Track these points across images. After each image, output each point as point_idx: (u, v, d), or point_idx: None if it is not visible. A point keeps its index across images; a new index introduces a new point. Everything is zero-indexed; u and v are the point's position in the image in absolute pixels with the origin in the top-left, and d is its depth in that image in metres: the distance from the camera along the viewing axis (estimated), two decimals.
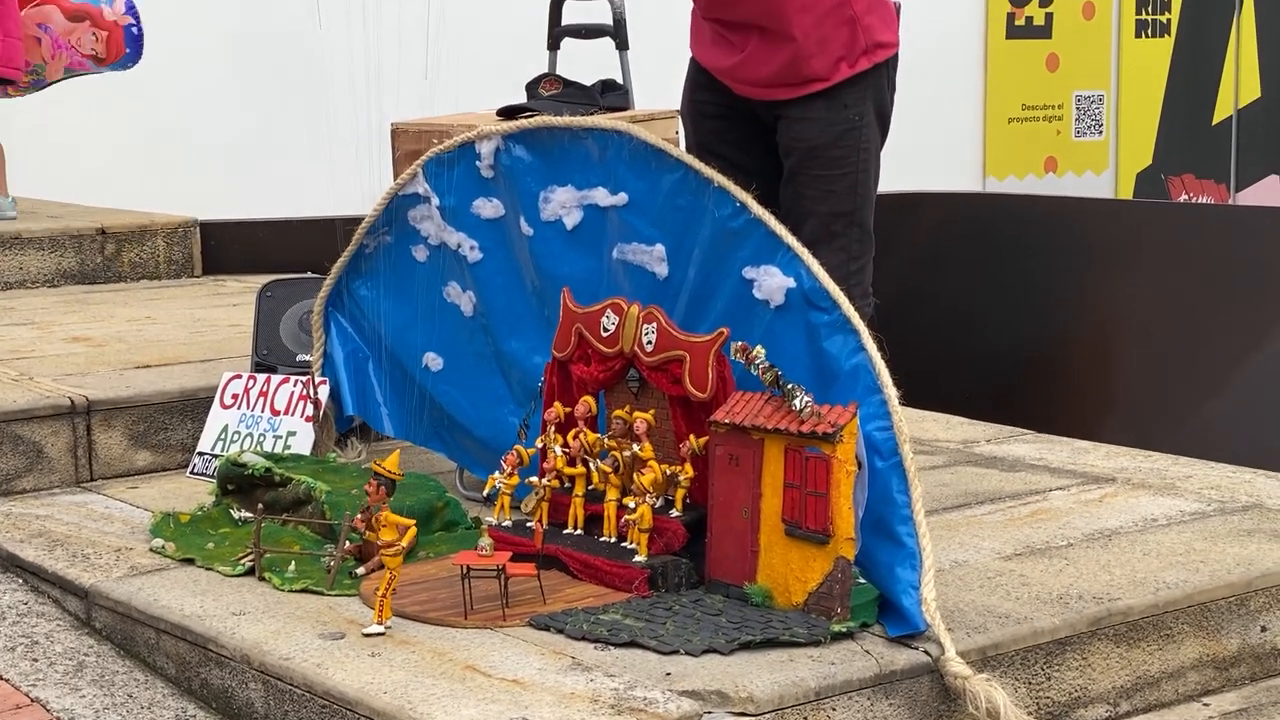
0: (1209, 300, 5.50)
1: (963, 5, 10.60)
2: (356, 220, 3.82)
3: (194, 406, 4.06)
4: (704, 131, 3.91)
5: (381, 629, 2.86)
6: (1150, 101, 11.38)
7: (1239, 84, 11.70)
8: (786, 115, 3.71)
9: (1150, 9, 11.30)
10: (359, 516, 3.16)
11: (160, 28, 7.72)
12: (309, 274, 4.30)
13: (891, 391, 2.89)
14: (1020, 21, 10.80)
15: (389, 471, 3.01)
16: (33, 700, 2.89)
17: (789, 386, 2.86)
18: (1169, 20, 11.38)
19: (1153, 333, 5.62)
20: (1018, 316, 5.85)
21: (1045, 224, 5.94)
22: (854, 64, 3.67)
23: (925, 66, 9.61)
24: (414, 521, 3.01)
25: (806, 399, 2.83)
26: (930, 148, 9.97)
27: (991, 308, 5.94)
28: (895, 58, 3.77)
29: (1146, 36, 11.31)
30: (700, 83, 3.90)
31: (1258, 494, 3.75)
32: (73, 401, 3.92)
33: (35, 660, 3.04)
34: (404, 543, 2.91)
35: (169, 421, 4.04)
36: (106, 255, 5.89)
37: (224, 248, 6.24)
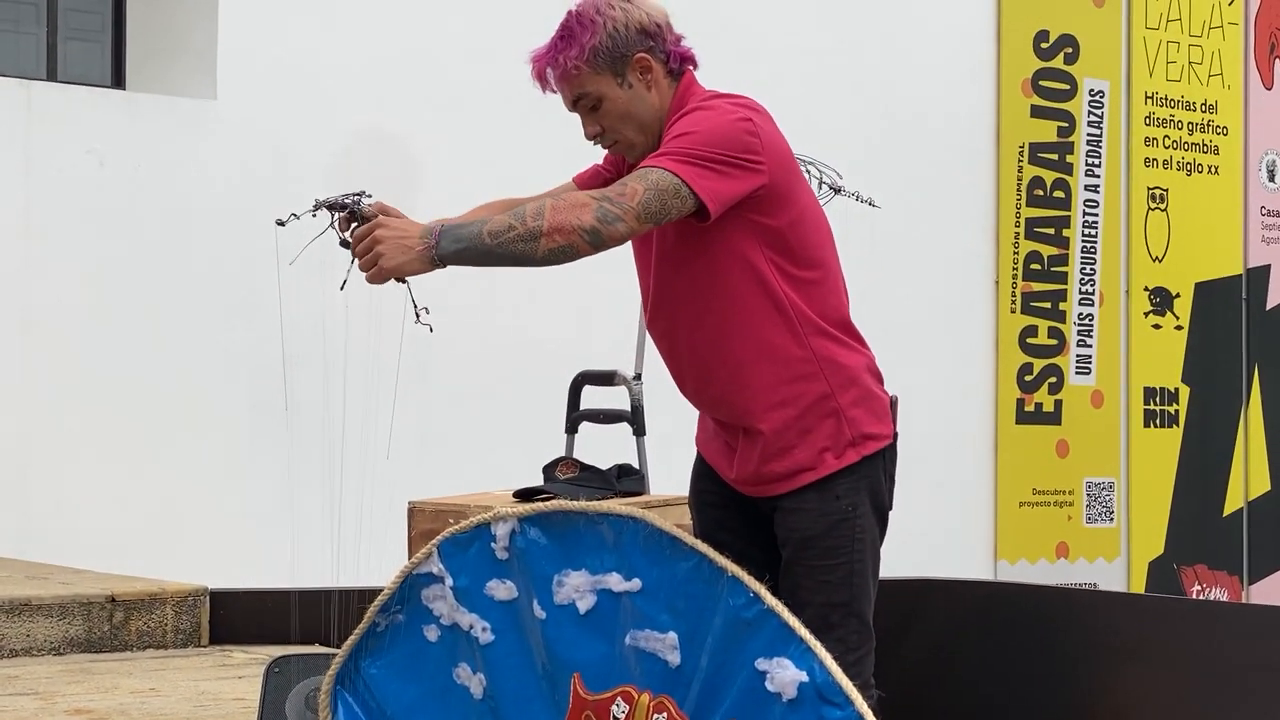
0: (1224, 699, 5.43)
1: (972, 390, 10.77)
2: (359, 595, 3.81)
3: None
4: (707, 520, 3.93)
5: None
6: (1161, 490, 11.45)
7: (1249, 476, 11.79)
8: (781, 506, 3.74)
9: (1158, 400, 11.47)
10: None
11: (178, 399, 7.88)
12: (319, 649, 4.28)
13: None
14: (1030, 407, 10.96)
15: None
16: None
17: None
18: (1177, 411, 11.55)
19: None
20: (1030, 710, 5.76)
21: (1058, 616, 5.90)
22: (840, 455, 3.69)
23: (936, 449, 9.74)
24: None
25: None
26: (941, 530, 10.01)
27: (1003, 701, 5.86)
28: (891, 449, 3.78)
29: (1155, 426, 11.45)
30: (702, 472, 3.95)
31: None
32: None
33: None
34: None
35: None
36: (114, 623, 5.87)
37: (233, 617, 6.21)
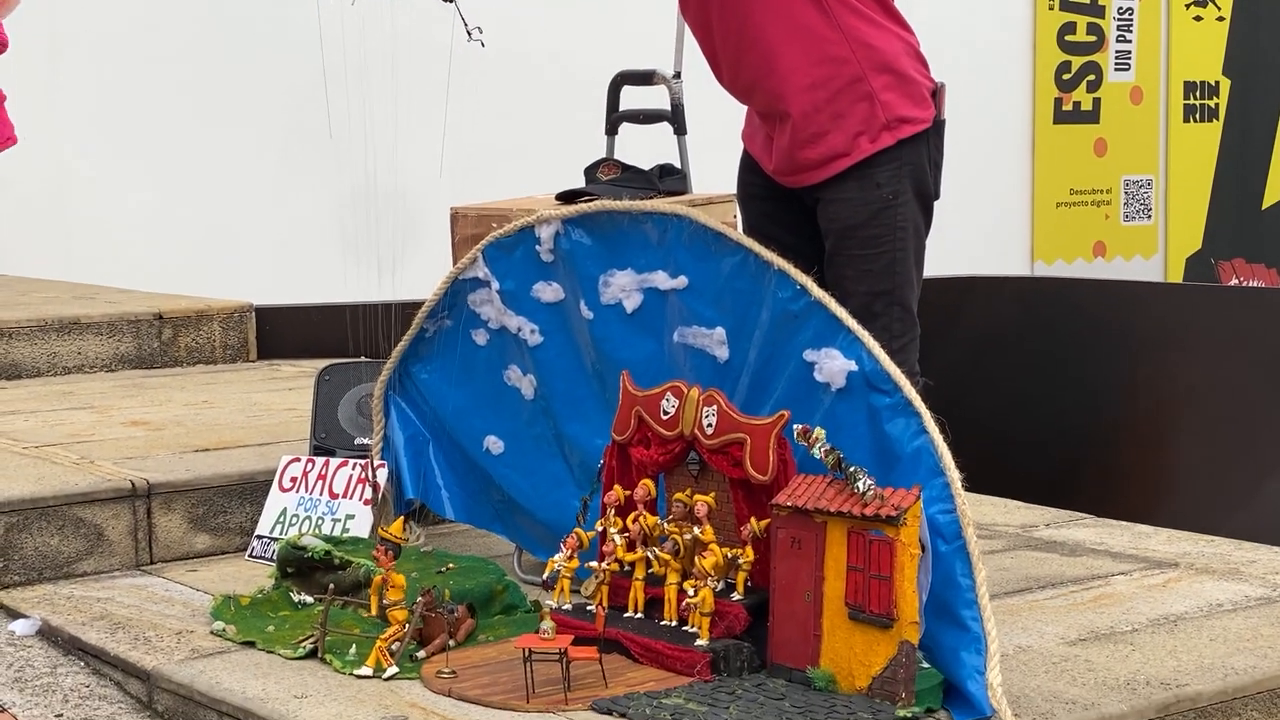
0: (1264, 383, 5.47)
1: (1010, 90, 10.63)
2: (409, 305, 3.84)
3: (252, 490, 4.08)
4: (755, 214, 3.92)
5: (370, 672, 3.02)
6: (1199, 186, 11.37)
7: None
8: (823, 197, 3.73)
9: (1198, 94, 11.31)
10: (420, 600, 3.17)
11: (216, 120, 7.84)
12: (365, 358, 4.33)
13: (954, 474, 2.88)
14: (1068, 106, 10.82)
15: (395, 537, 3.18)
16: None
17: (851, 469, 2.86)
18: (1217, 105, 11.39)
19: (1208, 416, 5.59)
20: (1072, 400, 5.83)
21: (1098, 308, 5.93)
22: (875, 139, 3.65)
23: (973, 151, 9.64)
24: (471, 618, 3.02)
25: (869, 482, 2.83)
26: (978, 232, 9.98)
27: (1045, 391, 5.93)
28: (934, 134, 3.72)
29: (1195, 121, 11.32)
30: (749, 165, 3.92)
31: None
32: (133, 484, 3.94)
33: None
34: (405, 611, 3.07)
35: (228, 505, 4.06)
36: (163, 340, 5.94)
37: (278, 332, 6.29)
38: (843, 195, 3.69)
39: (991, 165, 10.36)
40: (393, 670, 3.04)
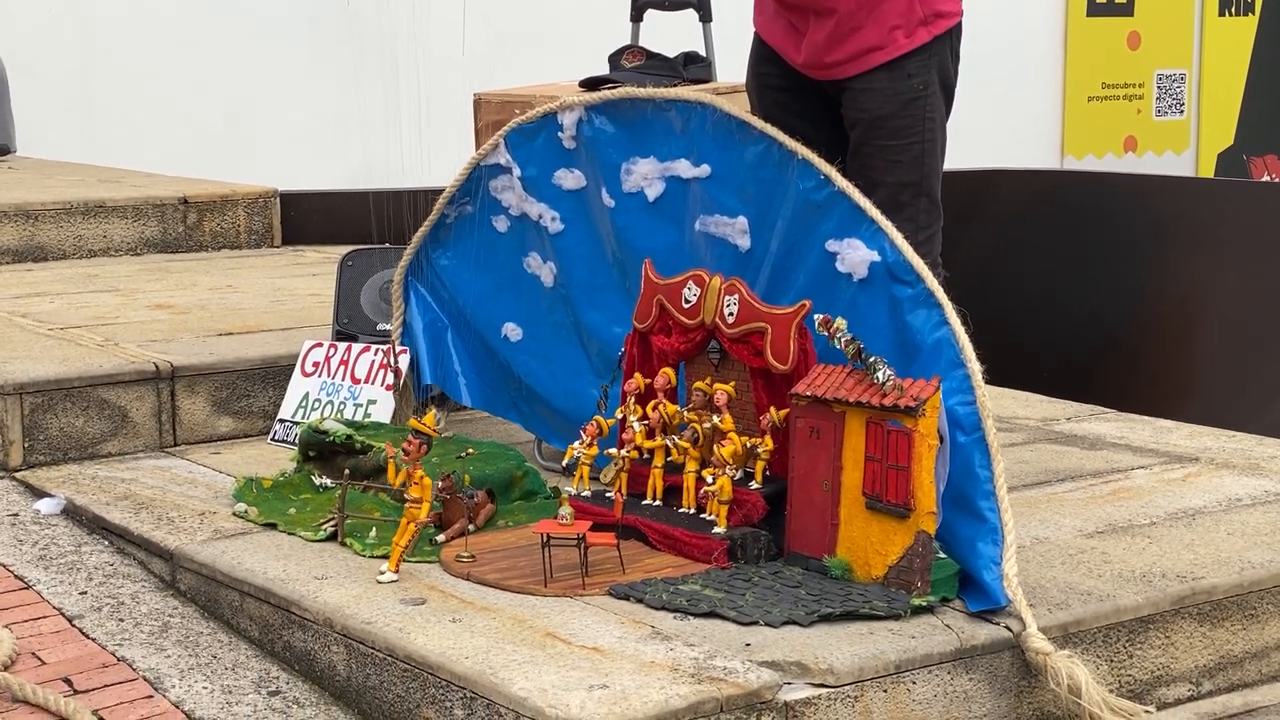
0: None
1: None
2: (427, 191, 3.83)
3: (275, 374, 4.09)
4: (769, 104, 3.88)
5: (394, 577, 2.97)
6: (1233, 81, 11.25)
7: None
8: (851, 88, 3.70)
9: None
10: (439, 483, 3.19)
11: (240, 4, 7.80)
12: (388, 245, 4.33)
13: (975, 366, 2.88)
14: None
15: (429, 429, 3.13)
16: (119, 660, 2.92)
17: (871, 360, 2.85)
18: None
19: (1234, 312, 5.57)
20: (1097, 295, 5.81)
21: (1126, 202, 5.89)
22: (911, 34, 3.63)
23: (1005, 44, 9.56)
24: (491, 503, 3.03)
25: (889, 372, 2.83)
26: (1008, 125, 9.91)
27: (1070, 286, 5.90)
28: (958, 26, 3.72)
29: (1230, 15, 11.18)
30: (763, 55, 3.88)
31: None
32: (157, 367, 3.96)
33: (121, 620, 3.08)
34: (425, 505, 3.01)
35: (251, 388, 4.08)
36: (188, 224, 5.95)
37: (303, 218, 6.29)
38: (873, 85, 3.66)
39: (1023, 58, 10.27)
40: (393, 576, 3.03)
